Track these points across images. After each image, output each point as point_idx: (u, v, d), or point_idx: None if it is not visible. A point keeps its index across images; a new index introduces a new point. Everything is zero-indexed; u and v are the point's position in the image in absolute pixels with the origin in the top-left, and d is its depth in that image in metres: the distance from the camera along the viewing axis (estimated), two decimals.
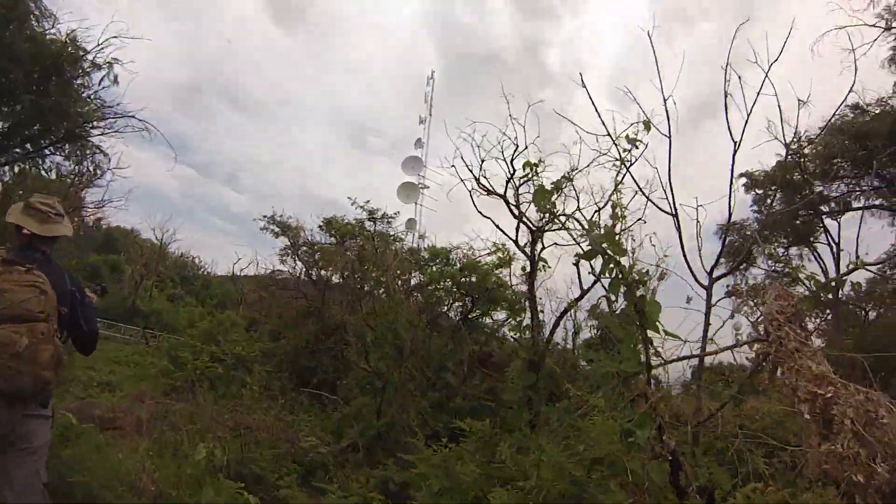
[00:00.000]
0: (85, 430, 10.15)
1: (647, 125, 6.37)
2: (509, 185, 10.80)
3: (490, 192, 11.13)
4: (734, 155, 7.77)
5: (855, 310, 29.65)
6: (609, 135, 7.08)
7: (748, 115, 7.26)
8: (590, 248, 4.32)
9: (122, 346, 25.06)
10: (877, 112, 23.75)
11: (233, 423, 9.54)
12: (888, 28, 19.46)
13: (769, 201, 26.89)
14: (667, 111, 6.70)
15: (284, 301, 23.86)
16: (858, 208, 26.87)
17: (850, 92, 8.75)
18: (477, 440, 8.28)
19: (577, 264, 9.92)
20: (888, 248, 26.61)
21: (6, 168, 16.99)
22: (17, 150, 16.27)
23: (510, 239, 11.36)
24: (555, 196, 9.60)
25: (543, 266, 10.64)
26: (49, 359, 3.62)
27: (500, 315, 19.77)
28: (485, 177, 11.16)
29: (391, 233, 21.99)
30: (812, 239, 28.41)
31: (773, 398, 7.74)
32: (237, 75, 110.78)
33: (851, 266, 18.42)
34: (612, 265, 4.33)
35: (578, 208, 9.76)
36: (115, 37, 15.53)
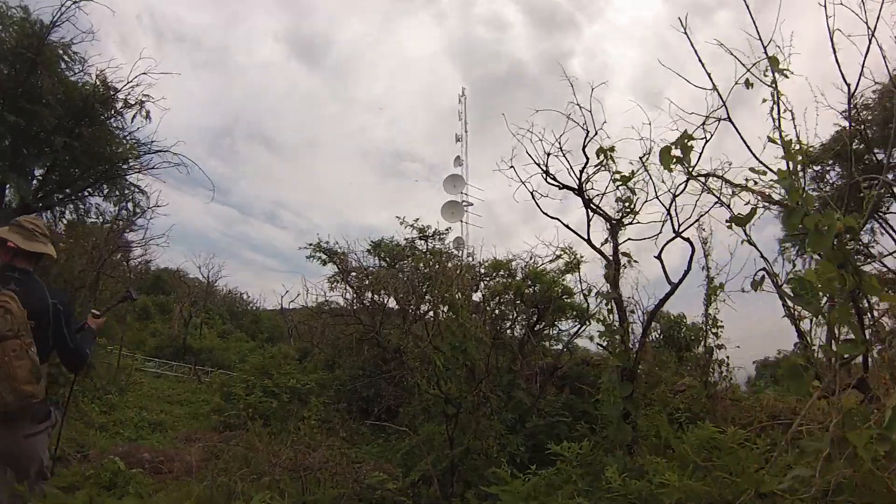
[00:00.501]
0: (133, 475, 9.25)
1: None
2: (583, 175, 9.53)
3: (563, 187, 9.81)
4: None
5: None
6: (715, 88, 5.69)
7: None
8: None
9: (174, 384, 24.42)
10: None
11: (291, 463, 8.40)
12: None
13: (826, 177, 25.06)
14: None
15: (337, 329, 23.01)
16: None
17: None
18: (575, 464, 6.93)
19: (659, 257, 8.65)
20: None
21: (47, 214, 16.50)
22: (57, 195, 15.75)
23: (582, 238, 9.97)
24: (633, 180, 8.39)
25: (629, 261, 9.31)
26: (27, 374, 3.67)
27: (566, 325, 19.10)
28: (549, 173, 9.91)
29: (443, 250, 20.74)
30: (883, 210, 26.13)
31: None
32: (266, 118, 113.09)
33: None
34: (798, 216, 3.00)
35: (656, 195, 8.59)
36: (143, 73, 14.91)
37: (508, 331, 18.02)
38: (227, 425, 15.44)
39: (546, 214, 10.42)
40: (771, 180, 3.38)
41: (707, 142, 5.51)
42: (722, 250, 8.97)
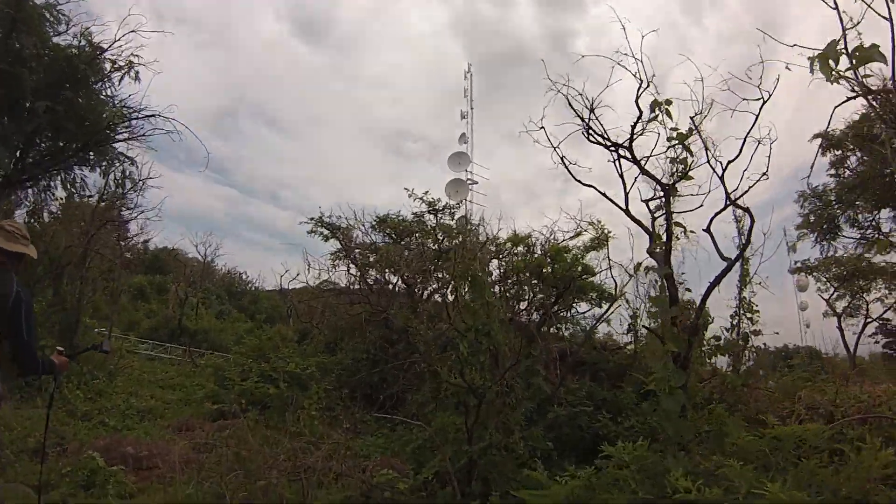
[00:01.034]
0: (112, 474, 8.22)
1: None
2: (634, 131, 8.38)
3: (613, 145, 8.62)
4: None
5: None
6: None
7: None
8: None
9: (167, 366, 23.37)
10: None
11: (289, 464, 7.31)
12: None
13: (848, 162, 23.89)
14: None
15: (340, 309, 21.91)
16: None
17: None
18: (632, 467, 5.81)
19: (708, 230, 7.85)
20: None
21: (31, 188, 15.29)
22: (40, 167, 14.52)
23: (621, 209, 8.82)
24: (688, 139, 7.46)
25: (684, 232, 8.12)
26: None
27: (585, 306, 17.50)
28: (592, 130, 8.71)
29: (454, 225, 19.48)
30: None
31: None
32: (269, 97, 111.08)
33: None
34: None
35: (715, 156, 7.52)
36: (132, 31, 13.60)
37: (524, 312, 17.01)
38: (221, 413, 14.38)
39: (580, 182, 9.39)
40: None
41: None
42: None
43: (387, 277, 20.43)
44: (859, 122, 21.54)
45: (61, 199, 16.38)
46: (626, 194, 8.71)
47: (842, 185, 23.51)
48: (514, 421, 10.09)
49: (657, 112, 7.48)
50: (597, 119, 8.85)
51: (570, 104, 8.74)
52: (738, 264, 8.51)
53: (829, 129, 22.23)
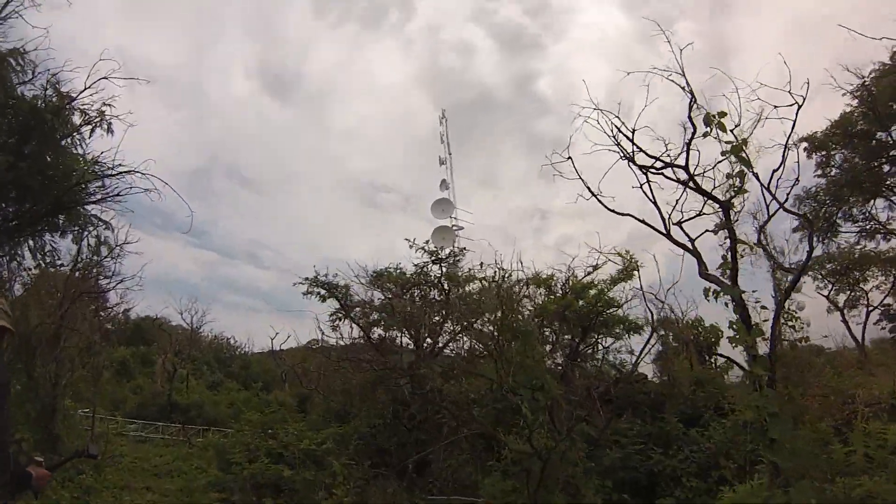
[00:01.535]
0: None
1: None
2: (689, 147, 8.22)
3: (667, 165, 8.30)
4: None
5: None
6: None
7: None
8: None
9: (160, 449, 21.25)
10: None
11: None
12: None
13: (832, 161, 24.34)
14: None
15: (346, 372, 20.32)
16: None
17: None
18: None
19: (760, 243, 9.09)
20: None
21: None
22: (2, 232, 13.01)
23: (662, 234, 8.64)
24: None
25: (750, 249, 7.85)
26: None
27: (612, 340, 16.88)
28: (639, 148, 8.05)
29: (460, 273, 18.16)
30: (885, 188, 24.61)
31: None
32: (242, 155, 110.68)
33: None
34: None
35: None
36: (104, 78, 12.27)
37: (549, 355, 15.90)
38: None
39: (613, 211, 9.27)
40: None
41: None
42: None
43: (392, 335, 19.08)
44: (841, 120, 22.31)
45: (31, 269, 14.77)
46: (666, 218, 8.56)
47: (833, 183, 23.80)
48: (579, 478, 9.09)
49: (710, 127, 6.93)
50: (634, 144, 8.60)
51: (606, 131, 8.60)
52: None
53: (813, 132, 23.08)
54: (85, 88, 12.09)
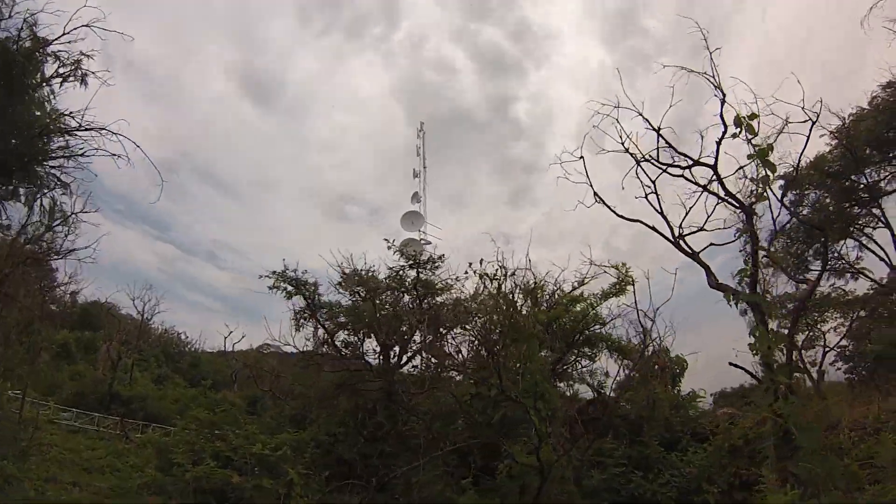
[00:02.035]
0: None
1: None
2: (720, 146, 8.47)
3: (695, 163, 8.40)
4: None
5: None
6: None
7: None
8: None
9: (94, 442, 19.46)
10: None
11: None
12: None
13: (805, 199, 24.78)
14: None
15: (305, 376, 19.01)
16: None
17: None
18: None
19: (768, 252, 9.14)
20: None
21: None
22: None
23: (671, 241, 8.85)
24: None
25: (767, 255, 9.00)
26: None
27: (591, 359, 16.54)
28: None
29: (437, 282, 17.12)
30: (854, 228, 25.29)
31: None
32: (214, 154, 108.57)
33: None
34: None
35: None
36: (85, 25, 11.09)
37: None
38: None
39: (622, 217, 9.50)
40: None
41: None
42: None
43: (359, 340, 17.91)
44: (817, 160, 22.08)
45: None
46: (678, 234, 8.74)
47: (806, 221, 23.95)
48: (574, 497, 9.24)
49: (740, 128, 7.03)
50: (663, 138, 8.58)
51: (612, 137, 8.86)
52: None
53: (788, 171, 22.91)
54: (64, 34, 10.86)
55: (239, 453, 12.70)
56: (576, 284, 14.44)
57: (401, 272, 17.64)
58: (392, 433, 15.40)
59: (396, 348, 17.40)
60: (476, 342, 14.92)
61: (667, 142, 8.40)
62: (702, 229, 8.74)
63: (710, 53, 8.12)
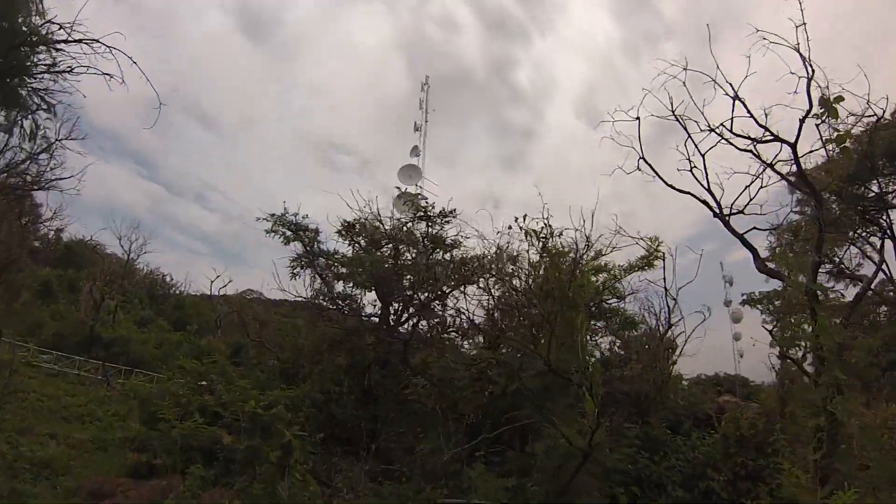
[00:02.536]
0: None
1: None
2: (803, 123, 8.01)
3: (775, 139, 7.99)
4: None
5: None
6: None
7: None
8: None
9: (74, 387, 18.56)
10: None
11: None
12: None
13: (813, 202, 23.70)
14: None
15: (295, 328, 18.19)
16: None
17: None
18: None
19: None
20: None
21: None
22: None
23: (722, 219, 8.85)
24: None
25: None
26: None
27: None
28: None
29: (446, 238, 16.14)
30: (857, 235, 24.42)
31: None
32: (205, 91, 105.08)
33: None
34: None
35: None
36: None
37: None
38: (151, 468, 10.43)
39: (669, 185, 9.23)
40: None
41: None
42: None
43: (360, 294, 17.04)
44: (831, 163, 21.60)
45: None
46: (719, 204, 8.73)
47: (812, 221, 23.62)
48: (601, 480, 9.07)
49: (824, 109, 7.01)
50: (747, 108, 7.88)
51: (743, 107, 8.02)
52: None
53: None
54: None
55: (229, 409, 11.90)
56: (600, 252, 13.50)
57: (409, 224, 16.70)
58: (390, 396, 14.71)
59: (398, 305, 16.67)
60: (495, 304, 14.08)
61: (749, 112, 7.88)
62: (741, 211, 8.76)
63: (798, 28, 7.36)
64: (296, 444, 10.71)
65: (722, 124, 8.09)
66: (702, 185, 8.94)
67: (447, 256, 16.23)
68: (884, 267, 22.74)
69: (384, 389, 14.80)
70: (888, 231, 23.19)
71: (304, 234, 16.93)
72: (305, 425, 12.26)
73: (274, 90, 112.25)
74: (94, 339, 25.69)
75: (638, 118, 9.02)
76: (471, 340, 15.98)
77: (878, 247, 22.76)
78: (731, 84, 8.00)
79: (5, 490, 8.55)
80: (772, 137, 7.79)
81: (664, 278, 12.22)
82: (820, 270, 24.43)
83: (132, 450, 11.08)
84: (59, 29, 9.76)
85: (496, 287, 14.31)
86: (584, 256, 11.73)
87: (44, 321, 26.24)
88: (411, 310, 16.62)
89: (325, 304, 17.47)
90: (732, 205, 8.85)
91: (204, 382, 13.38)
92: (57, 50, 10.35)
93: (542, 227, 11.39)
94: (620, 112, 9.07)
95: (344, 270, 16.93)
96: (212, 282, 42.97)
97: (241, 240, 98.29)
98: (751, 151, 8.06)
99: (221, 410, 11.99)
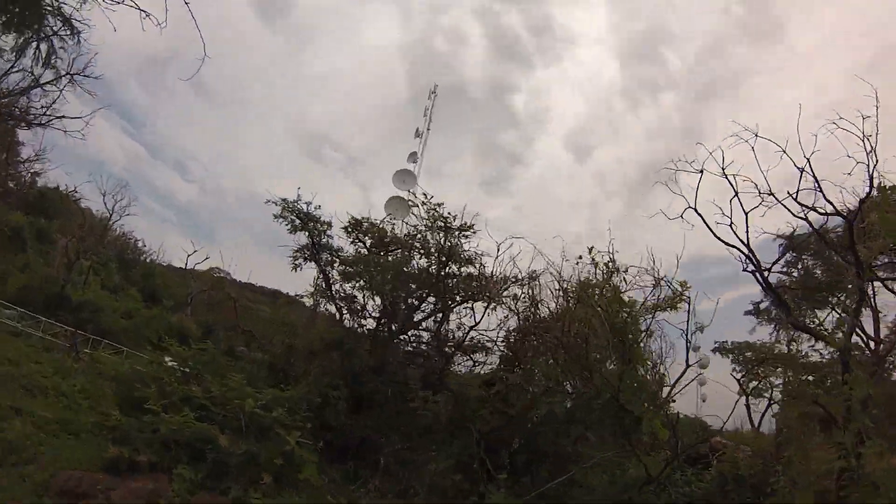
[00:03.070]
0: None
1: None
2: None
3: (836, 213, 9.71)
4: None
5: None
6: None
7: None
8: None
9: (38, 352, 16.85)
10: None
11: None
12: None
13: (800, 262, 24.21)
14: None
15: (287, 322, 16.92)
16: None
17: None
18: None
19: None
20: None
21: None
22: None
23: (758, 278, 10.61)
24: None
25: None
26: None
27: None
28: None
29: (462, 251, 15.08)
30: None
31: None
32: (205, 60, 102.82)
33: None
34: None
35: None
36: None
37: None
38: (131, 463, 9.08)
39: (720, 240, 10.51)
40: None
41: None
42: None
43: (367, 297, 15.99)
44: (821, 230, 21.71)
45: None
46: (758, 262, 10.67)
47: (801, 284, 23.97)
48: None
49: (881, 195, 8.35)
50: (816, 180, 9.22)
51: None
52: None
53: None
54: None
55: (220, 405, 10.65)
56: (630, 287, 12.66)
57: (427, 233, 15.61)
58: (388, 406, 13.65)
59: (404, 312, 15.62)
60: (520, 325, 13.14)
61: (818, 185, 9.36)
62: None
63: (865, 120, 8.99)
64: (298, 452, 9.64)
65: (789, 193, 9.50)
66: (741, 241, 10.16)
67: (463, 271, 15.25)
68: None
69: (382, 399, 13.72)
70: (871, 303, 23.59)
71: (313, 226, 15.87)
72: (301, 429, 11.09)
73: (277, 71, 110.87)
74: (62, 300, 23.83)
75: (702, 171, 10.26)
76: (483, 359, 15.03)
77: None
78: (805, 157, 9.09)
79: None
80: (833, 212, 9.31)
81: (687, 321, 11.57)
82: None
83: (111, 440, 9.71)
84: None
85: (521, 310, 13.39)
86: (655, 295, 10.97)
87: (11, 272, 24.19)
88: (416, 318, 15.69)
89: (324, 302, 16.58)
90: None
91: (187, 370, 12.14)
92: None
93: (608, 262, 11.23)
94: (684, 163, 10.44)
95: (351, 269, 15.90)
96: (188, 255, 41.38)
97: (213, 215, 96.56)
98: (805, 219, 9.81)
99: (210, 405, 10.76)
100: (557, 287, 12.79)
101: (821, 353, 24.04)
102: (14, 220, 27.60)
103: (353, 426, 12.87)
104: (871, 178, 8.56)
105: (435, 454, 11.51)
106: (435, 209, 14.89)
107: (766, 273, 10.70)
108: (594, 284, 11.49)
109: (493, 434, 11.68)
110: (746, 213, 9.97)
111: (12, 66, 10.31)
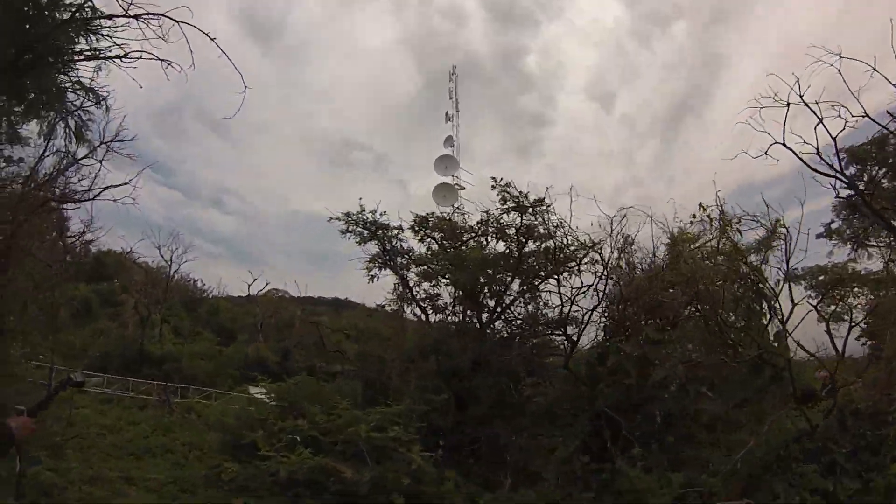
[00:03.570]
0: None
1: None
2: None
3: None
4: None
5: None
6: None
7: None
8: None
9: (133, 412, 16.71)
10: None
11: None
12: None
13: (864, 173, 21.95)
14: None
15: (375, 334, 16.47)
16: None
17: None
18: None
19: None
20: None
21: None
22: None
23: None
24: None
25: None
26: None
27: None
28: None
29: (540, 227, 14.10)
30: None
31: None
32: (215, 97, 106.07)
33: None
34: None
35: None
36: None
37: None
38: None
39: (816, 171, 9.74)
40: None
41: None
42: None
43: (455, 296, 15.49)
44: (879, 138, 20.04)
45: None
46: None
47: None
48: None
49: None
50: None
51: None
52: None
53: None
54: None
55: (332, 435, 10.05)
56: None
57: (500, 218, 14.74)
58: (493, 398, 12.98)
59: (491, 302, 14.93)
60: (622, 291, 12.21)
61: None
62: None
63: None
64: (425, 468, 9.02)
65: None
66: (834, 169, 9.71)
67: (543, 247, 14.36)
68: None
69: (485, 393, 13.02)
70: None
71: (384, 233, 15.42)
72: (422, 442, 10.49)
73: (279, 94, 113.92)
74: (143, 356, 23.90)
75: (788, 104, 9.13)
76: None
77: None
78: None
79: None
80: None
81: (787, 258, 10.52)
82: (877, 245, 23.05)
83: (228, 490, 9.22)
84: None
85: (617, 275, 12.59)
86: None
87: (87, 342, 24.45)
88: (504, 303, 14.91)
89: (407, 307, 16.19)
90: None
91: (285, 403, 11.62)
92: (102, 29, 8.38)
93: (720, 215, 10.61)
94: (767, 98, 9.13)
95: (431, 268, 15.30)
96: (249, 285, 41.71)
97: (256, 240, 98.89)
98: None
99: (319, 435, 10.18)
100: (664, 247, 12.04)
101: None
102: (80, 292, 27.94)
103: (464, 426, 12.36)
104: None
105: (561, 439, 10.76)
106: (506, 190, 14.00)
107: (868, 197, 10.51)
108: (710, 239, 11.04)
109: (614, 408, 10.91)
110: (834, 138, 9.47)
111: (45, 151, 9.77)
